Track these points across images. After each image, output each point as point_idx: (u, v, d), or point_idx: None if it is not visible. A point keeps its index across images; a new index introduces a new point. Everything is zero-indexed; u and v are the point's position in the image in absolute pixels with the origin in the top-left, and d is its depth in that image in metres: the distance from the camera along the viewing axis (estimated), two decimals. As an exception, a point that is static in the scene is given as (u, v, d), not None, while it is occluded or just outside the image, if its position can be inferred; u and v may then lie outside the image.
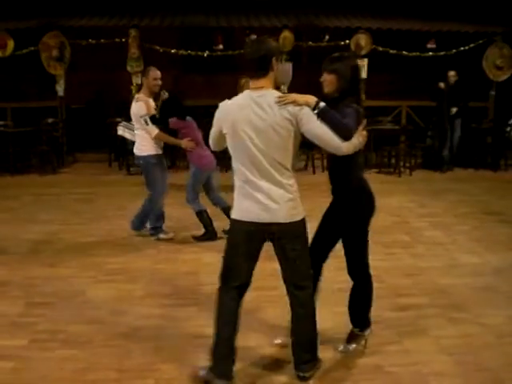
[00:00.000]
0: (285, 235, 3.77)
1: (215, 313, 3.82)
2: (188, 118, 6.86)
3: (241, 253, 3.77)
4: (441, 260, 6.28)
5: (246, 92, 3.67)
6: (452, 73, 11.36)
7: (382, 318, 4.75)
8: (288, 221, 3.73)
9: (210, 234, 6.97)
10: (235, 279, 3.84)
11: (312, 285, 4.01)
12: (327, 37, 13.02)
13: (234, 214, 3.73)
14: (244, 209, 3.66)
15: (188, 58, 12.87)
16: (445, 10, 13.39)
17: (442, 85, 11.33)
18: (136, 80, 12.30)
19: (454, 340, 4.43)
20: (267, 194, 3.64)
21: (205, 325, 4.48)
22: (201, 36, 13.74)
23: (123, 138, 9.27)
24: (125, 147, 10.97)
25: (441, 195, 9.35)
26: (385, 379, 3.89)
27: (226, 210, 6.64)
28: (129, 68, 12.36)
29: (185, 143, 6.77)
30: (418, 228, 7.53)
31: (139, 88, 7.16)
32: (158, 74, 6.74)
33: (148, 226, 7.15)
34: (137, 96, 6.82)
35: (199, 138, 6.88)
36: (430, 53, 13.10)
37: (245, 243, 3.74)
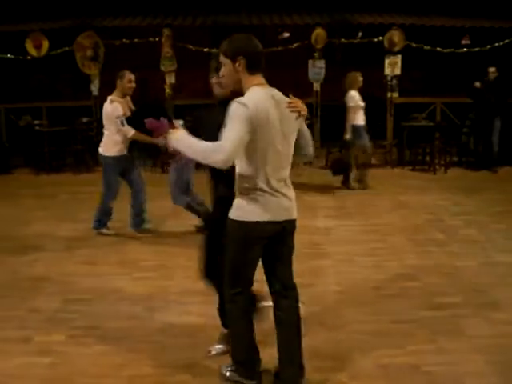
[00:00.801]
0: (291, 231, 3.70)
1: (238, 322, 3.75)
2: (162, 118, 6.93)
3: (257, 255, 3.65)
4: (476, 258, 6.20)
5: (263, 89, 3.46)
6: (492, 69, 11.19)
7: (417, 317, 4.72)
8: (296, 217, 3.67)
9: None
10: (250, 282, 3.77)
11: None
12: (360, 34, 12.95)
13: (253, 216, 3.49)
14: (267, 209, 3.49)
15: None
16: (479, 6, 13.20)
17: (477, 84, 11.17)
18: (169, 79, 12.41)
19: (490, 339, 4.38)
20: (286, 192, 3.57)
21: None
22: (233, 34, 13.76)
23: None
24: (157, 145, 11.02)
25: (476, 193, 9.23)
26: (420, 379, 3.86)
27: (200, 206, 6.95)
28: (162, 67, 12.45)
29: (162, 142, 6.84)
30: (453, 226, 7.45)
31: (116, 89, 7.23)
32: (133, 77, 7.06)
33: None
34: (110, 98, 6.98)
35: None
36: (465, 49, 12.93)
37: (261, 244, 3.60)
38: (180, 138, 3.57)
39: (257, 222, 3.50)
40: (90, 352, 4.26)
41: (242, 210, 3.51)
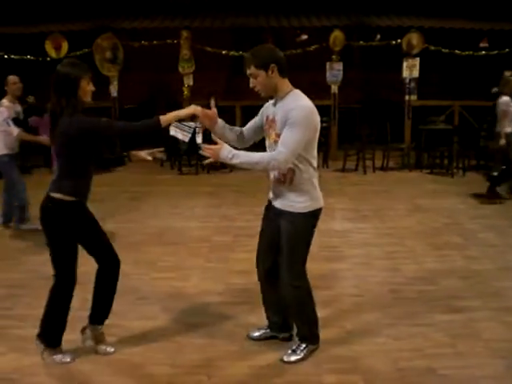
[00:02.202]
0: None
1: (308, 301, 4.10)
2: (46, 115, 7.20)
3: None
4: (494, 262, 6.17)
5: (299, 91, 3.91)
6: (508, 73, 11.11)
7: (435, 321, 4.71)
8: None
9: None
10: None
11: None
12: (378, 36, 12.92)
13: (316, 204, 3.95)
14: (320, 196, 4.01)
15: (239, 59, 12.94)
16: (497, 9, 13.13)
17: (495, 89, 11.08)
18: (187, 81, 12.45)
19: (508, 343, 4.35)
20: None
21: (257, 324, 4.54)
22: (251, 37, 13.81)
23: (175, 138, 9.33)
24: (176, 147, 11.09)
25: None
26: (437, 382, 3.86)
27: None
28: (180, 69, 12.50)
29: (45, 139, 7.06)
30: (471, 230, 7.41)
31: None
32: (16, 78, 7.46)
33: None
34: (1, 102, 7.37)
35: None
36: (483, 52, 12.86)
37: None
38: (232, 157, 3.75)
39: (318, 208, 3.98)
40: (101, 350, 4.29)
41: (310, 200, 3.90)
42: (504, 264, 6.12)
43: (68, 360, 4.10)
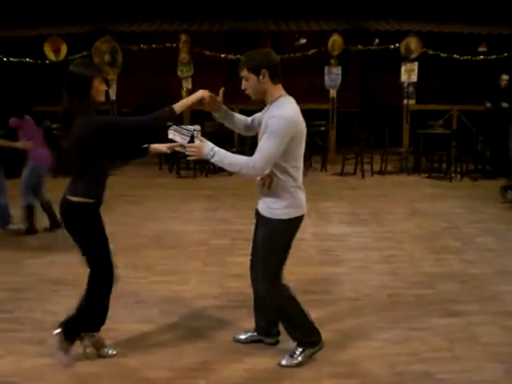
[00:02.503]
0: None
1: (290, 306, 4.07)
2: (26, 116, 7.45)
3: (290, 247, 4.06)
4: (492, 266, 6.18)
5: (291, 99, 3.90)
6: (505, 76, 11.15)
7: (432, 325, 4.72)
8: None
9: (31, 229, 7.46)
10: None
11: None
12: (377, 40, 12.96)
13: (294, 212, 3.92)
14: (303, 204, 3.97)
15: (237, 63, 12.95)
16: (496, 14, 13.16)
17: (488, 105, 11.17)
18: (186, 84, 12.46)
19: (505, 347, 4.36)
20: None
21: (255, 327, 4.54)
22: (250, 40, 13.83)
23: (173, 142, 9.35)
24: (175, 150, 11.06)
25: (493, 201, 9.18)
26: (435, 386, 3.86)
27: (48, 206, 7.42)
28: (179, 72, 12.51)
29: (21, 145, 7.21)
30: (469, 234, 7.42)
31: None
32: None
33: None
34: None
35: (38, 136, 7.48)
36: (482, 56, 12.89)
37: None
38: (213, 154, 3.77)
39: (302, 215, 3.97)
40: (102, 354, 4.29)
41: (287, 207, 3.87)
42: (502, 268, 6.13)
43: (65, 362, 4.08)
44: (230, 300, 5.30)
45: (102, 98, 4.03)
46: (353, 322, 4.83)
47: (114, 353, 4.25)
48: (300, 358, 4.08)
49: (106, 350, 4.26)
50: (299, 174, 3.93)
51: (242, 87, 3.87)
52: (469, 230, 7.57)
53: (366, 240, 7.17)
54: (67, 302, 5.17)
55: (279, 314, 4.18)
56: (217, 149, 3.76)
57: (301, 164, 3.93)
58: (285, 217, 3.88)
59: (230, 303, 5.22)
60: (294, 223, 3.96)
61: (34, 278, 5.94)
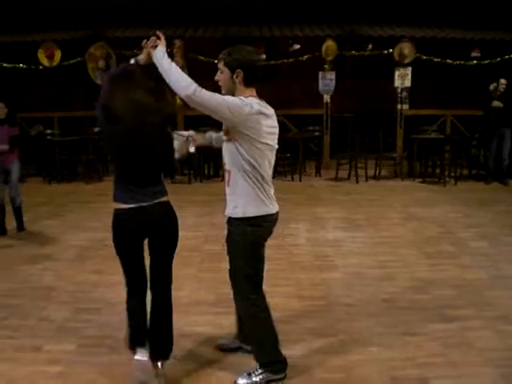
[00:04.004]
0: None
1: (261, 328, 3.91)
2: None
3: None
4: (487, 271, 6.18)
5: (258, 99, 3.68)
6: (503, 81, 11.15)
7: (428, 330, 4.72)
8: None
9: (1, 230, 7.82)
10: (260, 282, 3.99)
11: None
12: (370, 46, 12.98)
13: (265, 210, 3.76)
14: (273, 201, 3.84)
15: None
16: (489, 19, 13.22)
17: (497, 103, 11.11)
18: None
19: (501, 353, 4.35)
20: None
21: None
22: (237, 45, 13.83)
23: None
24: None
25: (487, 206, 9.21)
26: (431, 391, 3.86)
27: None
28: (173, 78, 12.49)
29: None
30: (464, 239, 7.42)
31: None
32: None
33: None
34: None
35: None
36: (475, 61, 12.94)
37: None
38: (164, 55, 3.65)
39: (268, 214, 3.78)
40: (101, 361, 4.26)
41: (256, 204, 3.73)
42: (497, 273, 6.13)
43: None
44: (225, 306, 5.26)
45: None
46: (348, 327, 4.82)
47: None
48: (257, 379, 3.90)
49: None
50: (266, 180, 3.77)
51: (215, 78, 3.74)
52: (464, 235, 7.58)
53: (360, 245, 7.17)
54: (61, 309, 5.20)
55: (247, 330, 4.05)
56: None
57: (266, 171, 3.75)
58: (246, 215, 3.75)
59: (225, 309, 5.18)
60: (255, 224, 3.77)
61: (28, 284, 5.92)
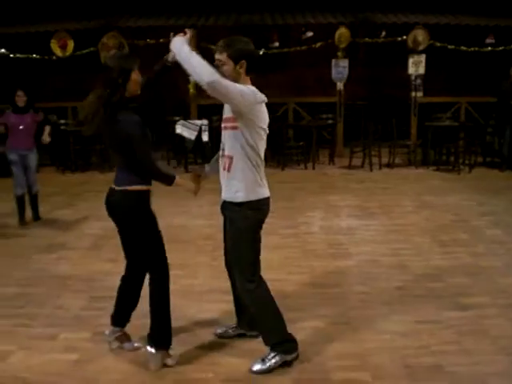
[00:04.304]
0: None
1: (265, 307, 3.97)
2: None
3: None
4: (501, 259, 6.15)
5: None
6: None
7: (442, 318, 4.71)
8: None
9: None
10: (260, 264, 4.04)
11: None
12: (384, 33, 12.89)
13: (262, 193, 3.88)
14: (260, 189, 3.89)
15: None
16: (503, 5, 13.09)
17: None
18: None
19: (515, 340, 4.35)
20: None
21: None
22: (256, 34, 13.80)
23: (181, 136, 9.38)
24: (183, 145, 11.09)
25: (501, 193, 9.15)
26: (444, 379, 3.85)
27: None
28: (186, 67, 12.48)
29: None
30: (478, 226, 7.39)
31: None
32: None
33: None
34: None
35: None
36: (489, 48, 12.83)
37: None
38: (183, 44, 3.81)
39: (265, 197, 3.90)
40: (116, 349, 4.30)
41: (255, 188, 3.84)
42: (511, 260, 6.10)
43: (174, 363, 4.05)
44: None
45: (139, 91, 3.96)
46: (361, 314, 4.82)
47: (139, 345, 4.26)
48: (271, 363, 3.94)
49: (129, 344, 4.30)
50: (260, 160, 3.89)
51: (216, 62, 3.80)
52: (478, 223, 7.55)
53: (374, 233, 7.16)
54: (77, 297, 5.24)
55: (253, 314, 4.05)
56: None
57: (261, 152, 3.88)
58: (247, 199, 3.88)
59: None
60: (256, 208, 3.91)
61: (43, 273, 5.97)
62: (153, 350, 4.00)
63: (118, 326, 4.31)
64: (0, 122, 7.89)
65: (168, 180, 4.00)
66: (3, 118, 7.89)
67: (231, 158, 3.83)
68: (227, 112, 3.86)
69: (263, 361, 3.95)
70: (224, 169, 3.93)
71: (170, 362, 4.03)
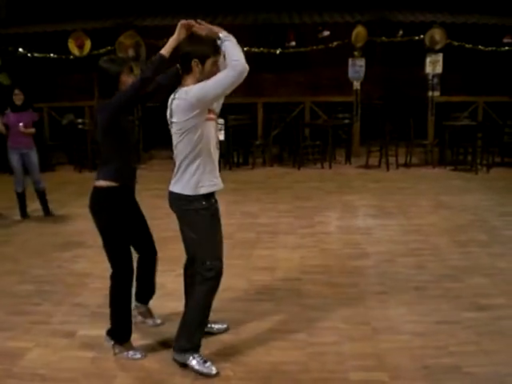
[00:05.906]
0: None
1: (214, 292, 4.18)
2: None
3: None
4: (520, 260, 6.12)
5: None
6: None
7: (460, 318, 4.68)
8: None
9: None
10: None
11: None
12: (401, 32, 12.85)
13: (216, 186, 4.02)
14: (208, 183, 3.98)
15: (260, 56, 12.93)
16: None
17: None
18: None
19: (534, 341, 4.32)
20: None
21: (282, 320, 4.62)
22: (273, 33, 13.80)
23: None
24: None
25: (520, 193, 9.10)
26: (462, 379, 3.82)
27: None
28: (203, 66, 12.50)
29: None
30: (496, 227, 7.34)
31: None
32: None
33: None
34: None
35: None
36: (507, 47, 12.73)
37: None
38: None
39: (202, 194, 3.97)
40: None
41: (205, 180, 3.93)
42: (530, 261, 6.06)
43: (139, 356, 4.14)
44: (256, 293, 5.30)
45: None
46: (380, 314, 4.81)
47: (159, 322, 4.65)
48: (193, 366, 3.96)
49: (151, 320, 4.62)
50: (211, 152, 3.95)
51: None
52: (496, 223, 7.49)
53: (391, 233, 7.13)
54: (94, 295, 5.26)
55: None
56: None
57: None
58: (194, 192, 3.98)
59: (256, 296, 5.23)
60: (200, 199, 4.03)
61: (61, 271, 6.02)
62: (112, 343, 4.18)
63: (140, 302, 4.59)
64: (2, 123, 7.98)
65: (159, 59, 3.90)
66: (4, 118, 8.00)
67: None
68: (216, 106, 4.01)
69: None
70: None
71: (137, 355, 4.15)
